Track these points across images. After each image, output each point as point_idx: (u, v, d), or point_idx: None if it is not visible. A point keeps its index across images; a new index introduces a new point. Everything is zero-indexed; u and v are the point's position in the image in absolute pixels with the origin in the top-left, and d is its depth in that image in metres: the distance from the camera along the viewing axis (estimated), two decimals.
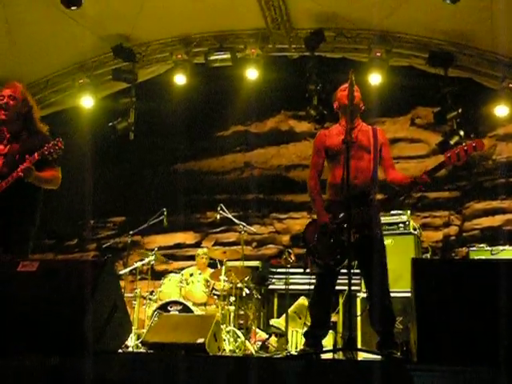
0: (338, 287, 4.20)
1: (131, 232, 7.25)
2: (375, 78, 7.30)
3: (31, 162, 3.96)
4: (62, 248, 10.21)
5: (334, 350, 4.98)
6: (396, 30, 7.38)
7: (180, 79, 8.07)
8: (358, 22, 7.42)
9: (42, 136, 4.24)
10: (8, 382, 2.37)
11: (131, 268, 6.99)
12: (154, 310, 6.30)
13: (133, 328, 5.99)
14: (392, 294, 3.97)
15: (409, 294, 4.99)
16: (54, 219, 9.85)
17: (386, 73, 7.32)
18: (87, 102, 8.45)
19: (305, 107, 7.94)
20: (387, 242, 4.18)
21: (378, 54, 7.18)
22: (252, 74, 7.77)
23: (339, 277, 4.10)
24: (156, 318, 6.02)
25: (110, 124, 8.31)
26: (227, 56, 7.86)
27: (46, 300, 2.74)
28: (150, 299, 6.71)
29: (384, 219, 5.31)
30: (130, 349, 5.75)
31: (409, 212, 6.24)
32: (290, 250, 6.77)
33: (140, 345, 5.58)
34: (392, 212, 6.17)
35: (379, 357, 3.80)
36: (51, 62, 8.33)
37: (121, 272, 6.85)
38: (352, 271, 3.60)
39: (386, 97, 7.68)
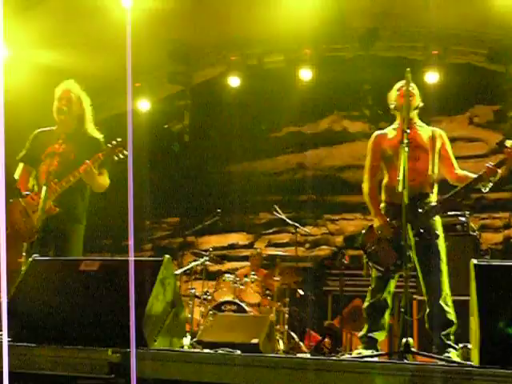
0: (394, 289, 4.14)
1: (186, 232, 7.35)
2: (432, 77, 7.14)
3: (94, 163, 4.04)
4: (119, 248, 10.45)
5: (390, 353, 4.90)
6: (454, 27, 7.20)
7: (234, 81, 8.14)
8: (414, 20, 7.29)
9: (94, 137, 4.32)
10: (70, 372, 2.45)
11: (186, 268, 7.09)
12: (209, 310, 6.37)
13: (188, 327, 6.07)
14: None
15: (467, 298, 4.86)
16: (110, 220, 10.10)
17: (443, 71, 7.15)
18: (143, 105, 8.64)
19: (359, 107, 7.87)
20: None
21: (435, 53, 7.02)
22: (305, 74, 7.74)
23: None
24: (211, 318, 6.08)
25: (166, 126, 8.47)
26: (280, 57, 7.87)
27: (106, 298, 2.82)
28: (204, 299, 6.79)
29: (441, 221, 5.19)
30: (186, 347, 5.83)
31: (467, 213, 6.06)
32: (344, 252, 6.71)
33: (195, 344, 5.65)
34: (450, 213, 6.01)
35: (437, 361, 3.72)
36: (108, 66, 8.55)
37: (176, 272, 6.95)
38: (409, 273, 3.54)
39: (443, 95, 7.49)
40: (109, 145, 4.16)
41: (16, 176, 4.26)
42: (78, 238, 4.22)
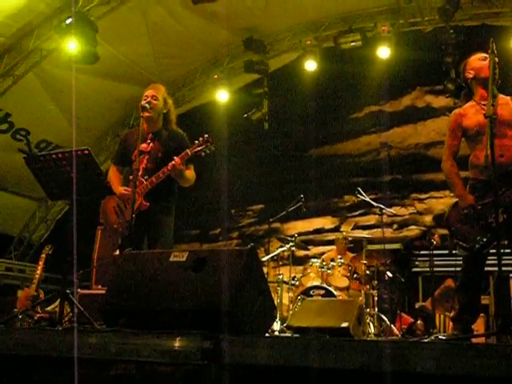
0: (488, 268, 3.97)
1: (271, 219, 7.41)
2: None
3: (182, 159, 4.18)
4: (207, 237, 10.71)
5: (487, 335, 4.74)
6: None
7: (310, 65, 8.08)
8: None
9: (179, 135, 4.46)
10: (165, 359, 2.54)
11: (273, 254, 7.16)
12: (297, 295, 6.40)
13: (277, 313, 6.15)
14: None
15: None
16: (198, 210, 10.36)
17: None
18: (222, 95, 8.77)
19: (442, 81, 7.57)
20: None
21: None
22: (384, 52, 7.55)
23: (489, 257, 3.88)
24: (299, 303, 6.11)
25: (245, 115, 8.55)
26: (357, 37, 7.71)
27: (196, 288, 2.91)
28: (292, 284, 6.83)
29: None
30: (276, 333, 5.90)
31: None
32: (433, 231, 6.53)
33: (285, 329, 5.71)
34: None
35: None
36: (187, 61, 8.75)
37: (263, 259, 7.04)
38: (503, 251, 3.39)
39: None
40: (196, 141, 4.27)
41: (109, 176, 4.46)
42: (170, 230, 4.38)
